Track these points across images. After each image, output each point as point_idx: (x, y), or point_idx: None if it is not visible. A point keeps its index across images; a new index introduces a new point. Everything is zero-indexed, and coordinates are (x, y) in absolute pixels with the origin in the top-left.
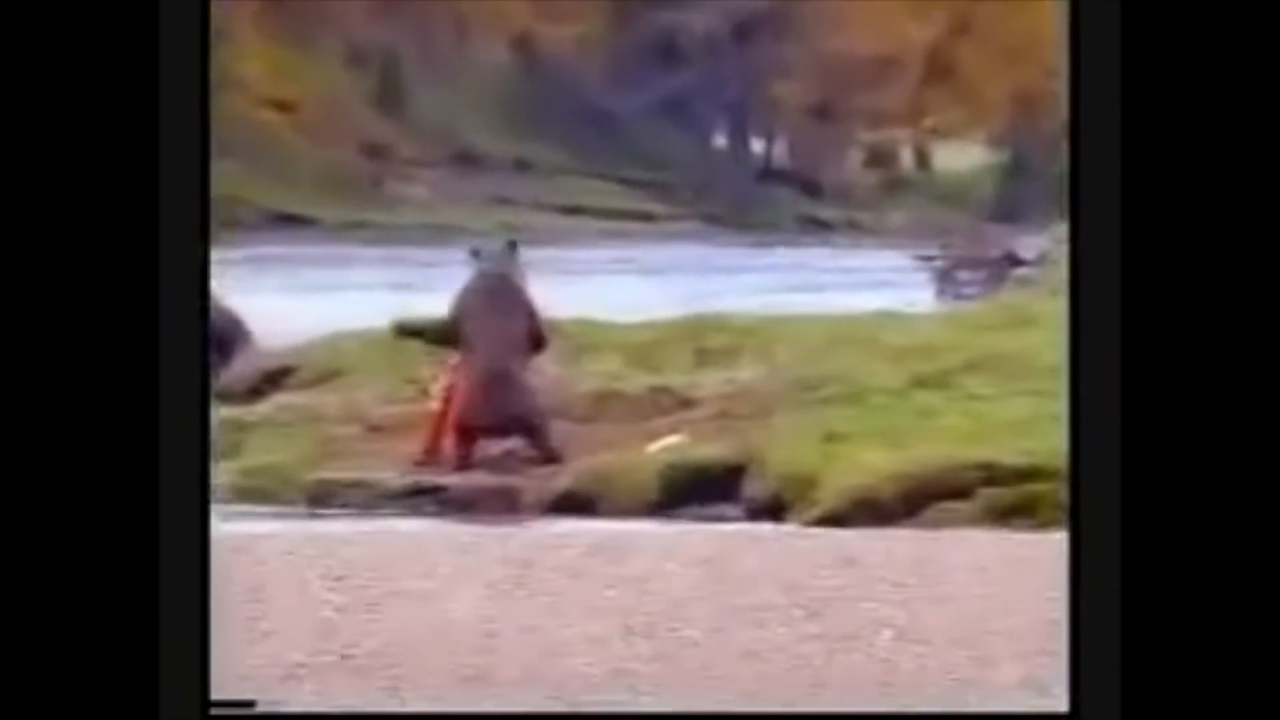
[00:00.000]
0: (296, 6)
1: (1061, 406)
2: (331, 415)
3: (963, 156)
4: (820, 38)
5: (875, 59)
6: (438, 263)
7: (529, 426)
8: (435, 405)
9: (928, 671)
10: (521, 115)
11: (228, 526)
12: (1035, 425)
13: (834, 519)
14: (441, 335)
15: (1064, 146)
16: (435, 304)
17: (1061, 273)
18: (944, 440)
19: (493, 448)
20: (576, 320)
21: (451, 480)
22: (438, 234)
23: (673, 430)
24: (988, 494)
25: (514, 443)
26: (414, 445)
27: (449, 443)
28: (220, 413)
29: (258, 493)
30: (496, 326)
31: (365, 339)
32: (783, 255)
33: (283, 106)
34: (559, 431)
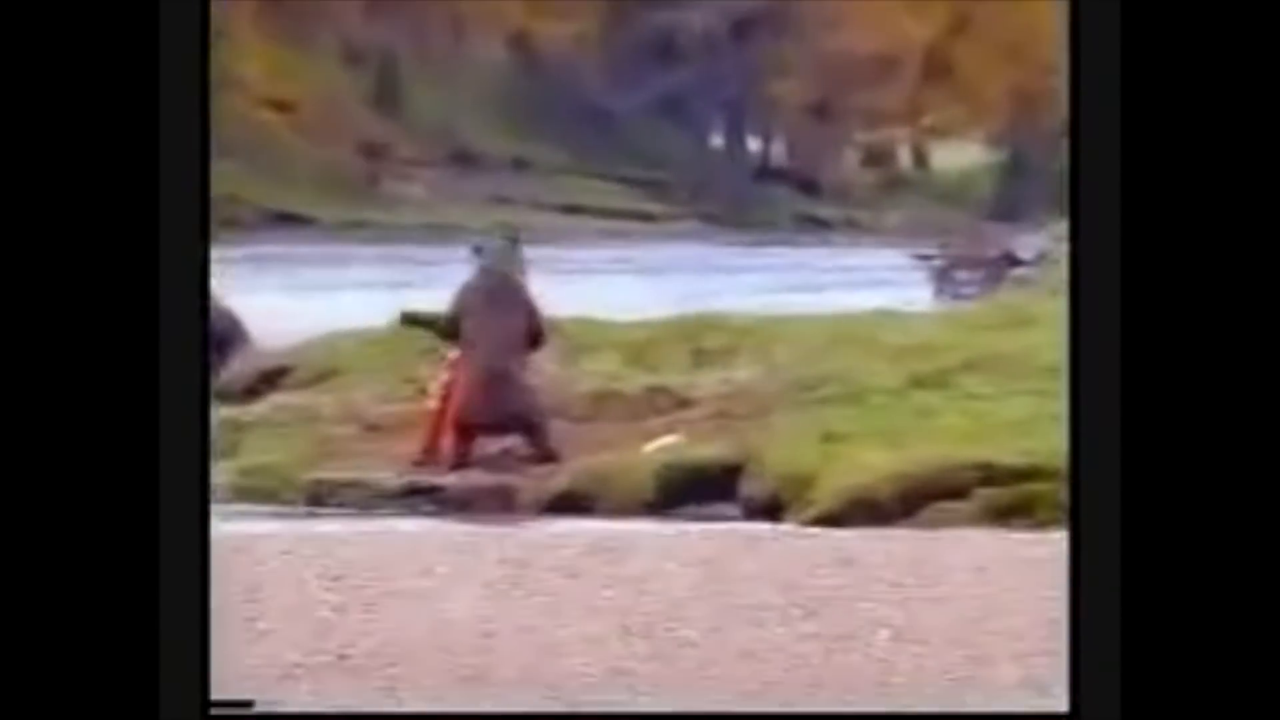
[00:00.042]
0: (294, 6)
1: (1060, 406)
2: (329, 415)
3: (961, 155)
4: (818, 36)
5: (873, 58)
6: (436, 262)
7: (527, 424)
8: (434, 403)
9: (925, 671)
10: (519, 114)
11: (225, 526)
12: (1033, 425)
13: (832, 519)
14: (444, 330)
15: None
16: (434, 302)
17: (1060, 272)
18: (942, 440)
19: (491, 446)
20: (574, 320)
21: (449, 480)
22: (436, 233)
23: (670, 430)
24: (986, 494)
25: (512, 441)
26: (411, 445)
27: (448, 441)
28: (218, 412)
29: (255, 492)
30: (495, 324)
31: (363, 338)
32: (781, 255)
33: (281, 106)
34: (557, 431)
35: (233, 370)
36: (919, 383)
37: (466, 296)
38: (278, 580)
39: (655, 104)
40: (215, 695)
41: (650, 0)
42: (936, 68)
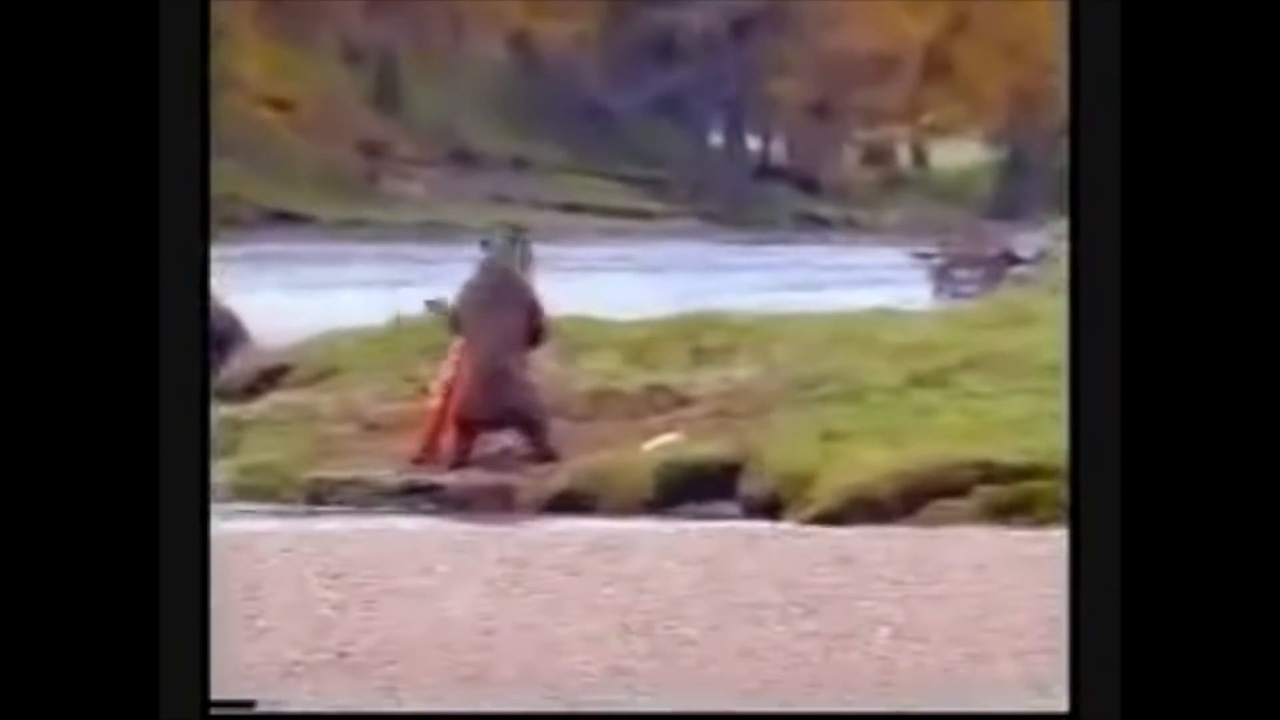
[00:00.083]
0: (294, 5)
1: (1059, 404)
2: (328, 413)
3: (960, 153)
4: (818, 35)
5: (873, 56)
6: (435, 260)
7: (526, 421)
8: (434, 401)
9: (925, 669)
10: (519, 113)
11: (225, 525)
12: (1033, 423)
13: (831, 517)
14: (452, 325)
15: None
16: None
17: (1060, 270)
18: (942, 438)
19: (491, 444)
20: (574, 318)
21: (448, 478)
22: (435, 232)
23: (670, 429)
24: (986, 492)
25: (512, 440)
26: (411, 443)
27: (448, 438)
28: (218, 411)
29: (255, 491)
30: (494, 321)
31: (362, 337)
32: (780, 253)
33: (280, 105)
34: (557, 429)
35: (233, 369)
36: (919, 381)
37: (467, 293)
38: (277, 578)
39: (655, 103)
40: (215, 694)
41: None
42: (936, 66)
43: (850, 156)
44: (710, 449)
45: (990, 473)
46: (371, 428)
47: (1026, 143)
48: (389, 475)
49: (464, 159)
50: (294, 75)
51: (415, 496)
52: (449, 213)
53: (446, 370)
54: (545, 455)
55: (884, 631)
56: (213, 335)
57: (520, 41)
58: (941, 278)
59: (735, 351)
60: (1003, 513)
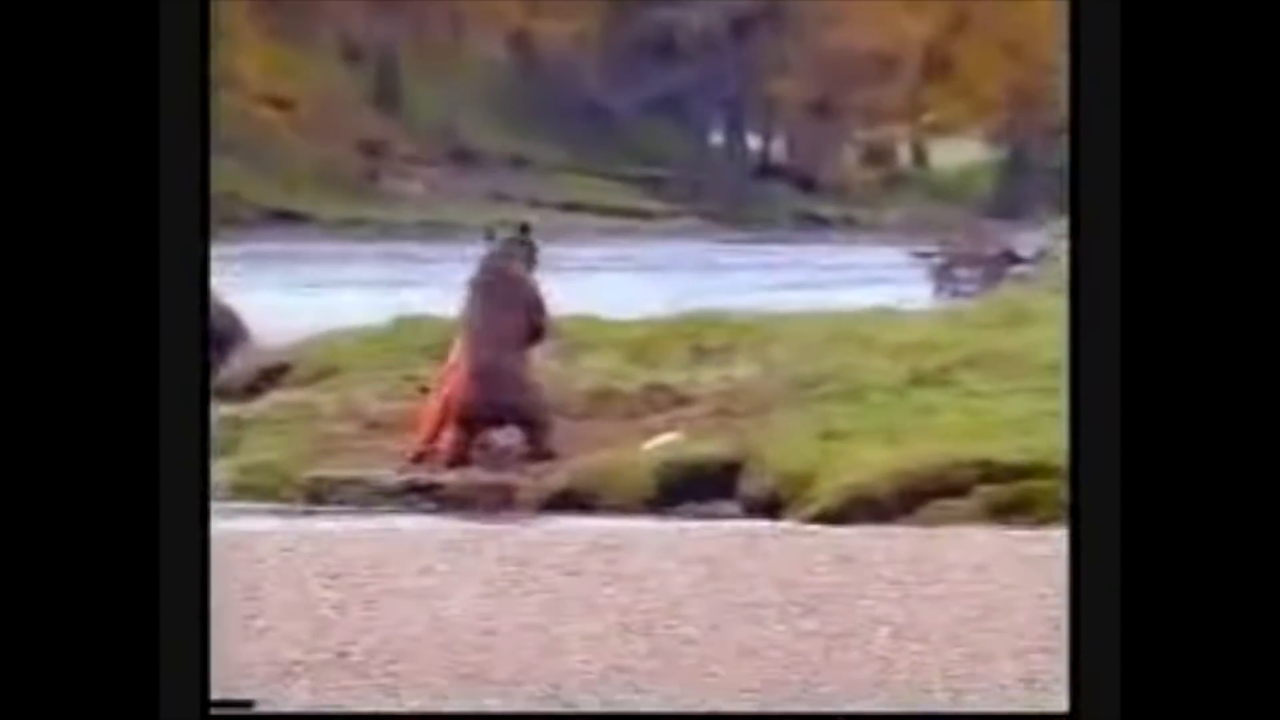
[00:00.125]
0: (294, 4)
1: (1059, 403)
2: (328, 412)
3: (960, 153)
4: (818, 34)
5: (873, 55)
6: (435, 259)
7: (524, 419)
8: (435, 397)
9: (925, 669)
10: (519, 112)
11: (224, 524)
12: (1033, 422)
13: (831, 516)
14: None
15: (1062, 142)
16: (432, 300)
17: (1060, 269)
18: (942, 437)
19: (492, 441)
20: (574, 317)
21: (448, 478)
22: (435, 231)
23: (670, 428)
24: (986, 491)
25: (511, 438)
26: (411, 442)
27: (448, 434)
28: (218, 410)
29: (255, 490)
30: (492, 318)
31: (362, 336)
32: (780, 252)
33: (280, 104)
34: (557, 428)
35: (232, 368)
36: (919, 380)
37: (467, 291)
38: (277, 578)
39: (654, 102)
40: (214, 693)
41: None
42: (936, 65)
43: (850, 156)
44: (710, 448)
45: (990, 472)
46: (372, 427)
47: (1026, 142)
48: (389, 474)
49: (464, 158)
50: (294, 74)
51: (415, 496)
52: (449, 212)
53: (447, 367)
54: (543, 454)
55: (884, 631)
56: (213, 334)
57: (520, 41)
58: (941, 277)
59: (735, 351)
60: (1003, 512)
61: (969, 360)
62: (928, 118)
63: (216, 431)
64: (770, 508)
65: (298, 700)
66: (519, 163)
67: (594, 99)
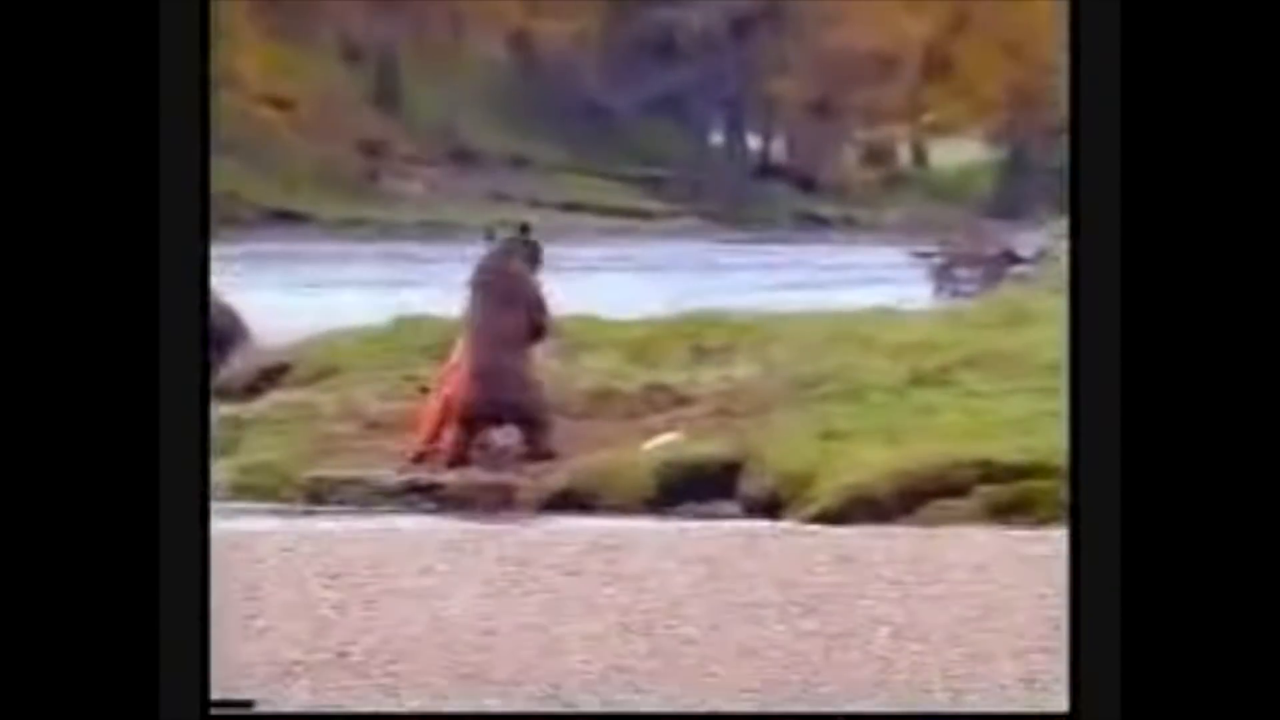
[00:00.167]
0: (293, 3)
1: (1059, 403)
2: (328, 412)
3: (960, 153)
4: (818, 34)
5: (873, 55)
6: (435, 259)
7: (524, 418)
8: (436, 397)
9: (925, 669)
10: (519, 112)
11: (225, 524)
12: (1033, 422)
13: (831, 516)
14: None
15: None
16: (432, 300)
17: (1060, 269)
18: (942, 437)
19: (491, 441)
20: (574, 317)
21: (449, 477)
22: (435, 231)
23: (670, 428)
24: (986, 491)
25: (510, 438)
26: (411, 442)
27: (449, 433)
28: (218, 410)
29: (255, 490)
30: (491, 318)
31: (362, 336)
32: (780, 252)
33: (280, 103)
34: (557, 427)
35: (233, 368)
36: (919, 380)
37: (469, 288)
38: (277, 578)
39: (654, 102)
40: (214, 693)
41: None
42: (936, 65)
43: (850, 155)
44: (710, 448)
45: (990, 472)
46: (372, 427)
47: (1026, 142)
48: (389, 474)
49: (464, 158)
50: (294, 74)
51: (415, 496)
52: (449, 212)
53: (448, 366)
54: (543, 453)
55: (884, 631)
56: (213, 334)
57: (520, 41)
58: (941, 277)
59: (735, 351)
60: (1003, 512)
61: (969, 360)
62: (928, 118)
63: (216, 431)
64: (770, 508)
65: (298, 700)
66: (519, 163)
67: (594, 99)
